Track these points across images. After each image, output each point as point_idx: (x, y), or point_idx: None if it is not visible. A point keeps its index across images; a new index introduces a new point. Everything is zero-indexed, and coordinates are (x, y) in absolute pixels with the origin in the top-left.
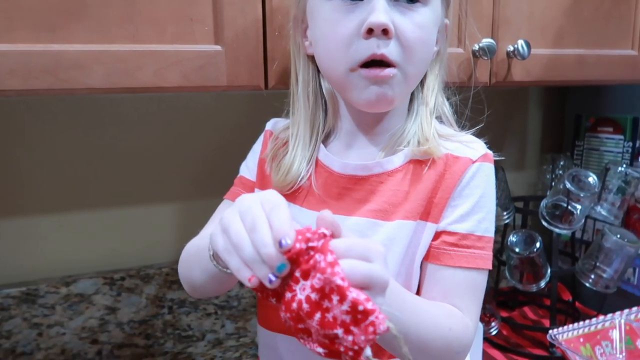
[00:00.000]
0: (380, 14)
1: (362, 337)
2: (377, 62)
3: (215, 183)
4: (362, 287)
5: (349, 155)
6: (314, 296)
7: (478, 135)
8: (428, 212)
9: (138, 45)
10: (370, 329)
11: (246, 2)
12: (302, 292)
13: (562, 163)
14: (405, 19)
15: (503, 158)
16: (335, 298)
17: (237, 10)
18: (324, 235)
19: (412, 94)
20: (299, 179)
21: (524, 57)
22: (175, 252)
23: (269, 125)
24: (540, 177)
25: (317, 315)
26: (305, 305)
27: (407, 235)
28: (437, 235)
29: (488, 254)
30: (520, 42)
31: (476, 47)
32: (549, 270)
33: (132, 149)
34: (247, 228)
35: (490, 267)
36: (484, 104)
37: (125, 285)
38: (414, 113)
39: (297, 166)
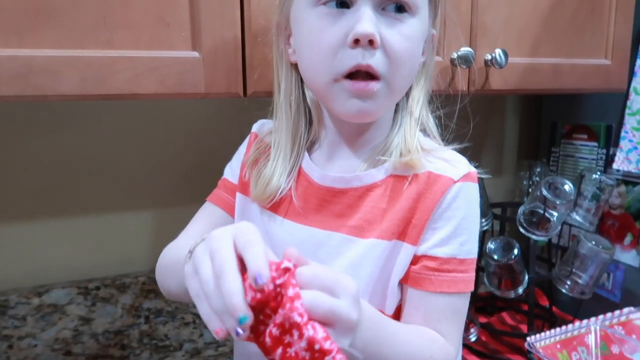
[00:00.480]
0: (367, 23)
1: None
2: (361, 74)
3: (192, 190)
4: (325, 322)
5: (330, 166)
6: (274, 331)
7: (455, 141)
8: (405, 232)
9: (113, 50)
10: None
11: (224, 7)
12: (269, 327)
13: (538, 169)
14: (392, 29)
15: (488, 176)
16: (295, 333)
17: (215, 16)
18: (287, 270)
19: (397, 105)
20: (279, 191)
21: (501, 65)
22: (151, 260)
23: (255, 127)
24: (517, 184)
25: (279, 350)
26: (267, 340)
27: (380, 255)
28: (417, 259)
29: (470, 276)
30: (498, 51)
31: (455, 55)
32: (526, 277)
33: (107, 155)
34: (215, 272)
35: (472, 289)
36: (469, 115)
37: (100, 294)
38: (397, 124)
39: (277, 178)
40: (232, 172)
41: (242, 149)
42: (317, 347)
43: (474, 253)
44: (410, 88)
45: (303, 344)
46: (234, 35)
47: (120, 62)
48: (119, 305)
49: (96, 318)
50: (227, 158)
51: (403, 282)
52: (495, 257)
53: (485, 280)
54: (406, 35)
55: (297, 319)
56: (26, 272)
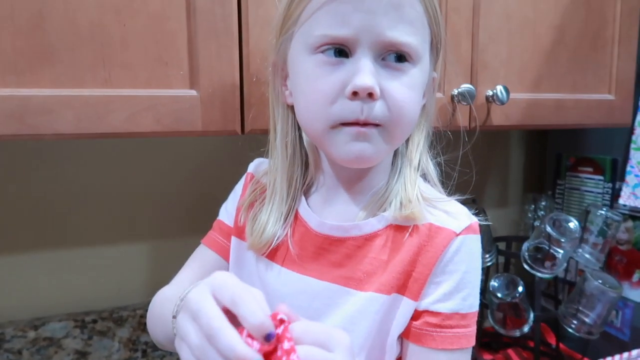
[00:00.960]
0: (367, 76)
1: None
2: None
3: (190, 223)
4: None
5: (328, 211)
6: None
7: (460, 178)
8: (405, 286)
9: (110, 89)
10: None
11: (222, 46)
12: None
13: (543, 203)
14: (393, 80)
15: (490, 223)
16: None
17: (213, 55)
18: (282, 321)
19: (397, 149)
20: (275, 239)
21: (503, 102)
22: (149, 293)
23: (251, 167)
24: (522, 217)
25: None
26: None
27: (379, 309)
28: (419, 314)
29: (472, 330)
30: (499, 88)
31: (455, 92)
32: (531, 315)
33: (105, 188)
34: (206, 334)
35: (474, 344)
36: (470, 149)
37: (97, 328)
38: (397, 171)
39: (272, 225)
40: (227, 214)
41: (238, 189)
42: None
43: (476, 306)
44: (411, 134)
45: None
46: (232, 73)
47: (117, 101)
48: (116, 338)
49: (93, 352)
50: (225, 192)
51: (404, 337)
52: (499, 295)
53: (490, 318)
54: (408, 85)
55: None
56: (23, 304)
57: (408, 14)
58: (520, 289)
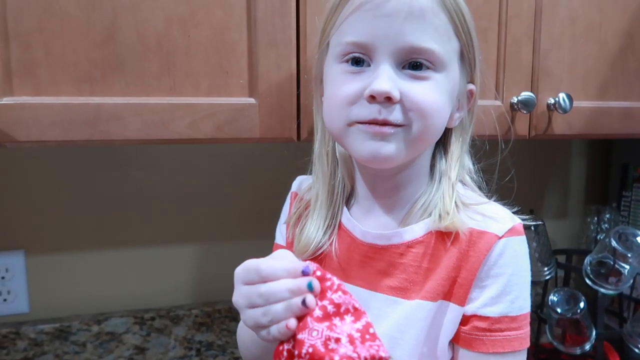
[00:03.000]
0: (384, 81)
1: (365, 352)
2: (378, 122)
3: (244, 227)
4: None
5: (369, 221)
6: (330, 308)
7: (517, 185)
8: (451, 292)
9: (174, 97)
10: (374, 349)
11: (281, 56)
12: (318, 307)
13: (607, 216)
14: (413, 84)
15: (540, 222)
16: (348, 317)
17: (272, 64)
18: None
19: (434, 160)
20: (320, 245)
21: (565, 110)
22: (204, 293)
23: (294, 187)
24: (584, 229)
25: (326, 323)
26: (318, 312)
27: (426, 316)
28: (467, 319)
29: (524, 333)
30: (562, 95)
31: (514, 100)
32: (594, 332)
33: (165, 191)
34: (261, 280)
35: (528, 345)
36: (526, 162)
37: (155, 325)
38: (435, 182)
39: (316, 232)
40: (280, 235)
41: (285, 209)
42: (371, 330)
43: (526, 308)
44: (449, 144)
45: (358, 325)
46: (290, 82)
47: (180, 109)
48: (172, 336)
49: (150, 348)
50: (278, 198)
51: (454, 342)
52: (559, 310)
53: (548, 333)
54: (429, 88)
55: (358, 305)
56: (88, 299)
57: (430, 22)
58: (582, 304)
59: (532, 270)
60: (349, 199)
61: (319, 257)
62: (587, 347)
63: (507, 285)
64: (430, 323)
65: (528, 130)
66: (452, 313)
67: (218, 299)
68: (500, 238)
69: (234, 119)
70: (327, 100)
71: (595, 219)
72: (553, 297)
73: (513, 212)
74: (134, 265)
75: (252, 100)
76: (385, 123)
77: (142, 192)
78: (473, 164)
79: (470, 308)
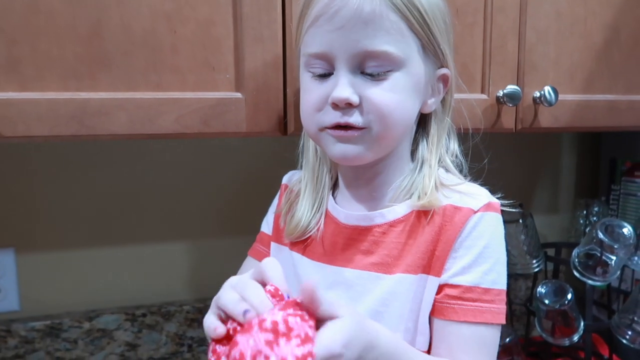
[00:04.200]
0: (343, 88)
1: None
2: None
3: (236, 223)
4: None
5: (353, 206)
6: (281, 327)
7: (505, 179)
8: (430, 265)
9: (161, 92)
10: None
11: (267, 51)
12: (270, 318)
13: (596, 209)
14: (372, 87)
15: (519, 210)
16: (294, 341)
17: (258, 60)
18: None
19: (417, 145)
20: (308, 228)
21: (551, 103)
22: (196, 289)
23: (285, 179)
24: (573, 222)
25: (269, 338)
26: (268, 324)
27: (408, 289)
28: (440, 288)
29: (498, 307)
30: (547, 89)
31: (500, 93)
32: (582, 324)
33: (157, 187)
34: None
35: (503, 322)
36: (516, 156)
37: (147, 322)
38: (418, 165)
39: (303, 216)
40: (267, 224)
41: (275, 201)
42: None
43: (500, 284)
44: (429, 128)
45: (300, 350)
46: (276, 77)
47: (167, 104)
48: (164, 333)
49: (142, 345)
50: (269, 192)
51: (431, 314)
52: (547, 301)
53: (537, 325)
54: (389, 89)
55: (310, 333)
56: (79, 297)
57: (380, 25)
58: (569, 296)
59: (520, 262)
60: (335, 186)
61: (306, 241)
62: (576, 338)
63: (480, 256)
64: (412, 296)
65: (514, 123)
66: (431, 285)
67: (209, 295)
68: (475, 212)
69: (221, 114)
70: (301, 105)
71: (584, 212)
72: (541, 289)
73: (502, 205)
74: (124, 262)
75: (238, 95)
76: (347, 126)
77: (133, 189)
78: (459, 147)
79: (443, 277)
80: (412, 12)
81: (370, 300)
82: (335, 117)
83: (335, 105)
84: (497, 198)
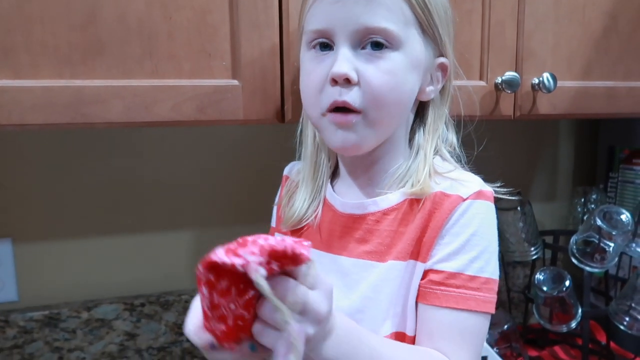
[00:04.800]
0: (342, 63)
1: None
2: (342, 108)
3: (234, 212)
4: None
5: (351, 194)
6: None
7: (503, 166)
8: (418, 251)
9: (157, 80)
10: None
11: (263, 38)
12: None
13: (594, 197)
14: (370, 65)
15: (516, 198)
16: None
17: (254, 46)
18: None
19: (414, 133)
20: (304, 216)
21: (549, 90)
22: (193, 279)
23: (286, 171)
24: (571, 211)
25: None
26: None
27: (398, 275)
28: (425, 274)
29: (485, 296)
30: (546, 75)
31: (499, 80)
32: (579, 310)
33: (155, 177)
34: None
35: (490, 311)
36: (514, 143)
37: (145, 311)
38: (413, 153)
39: (301, 205)
40: (272, 217)
41: (278, 193)
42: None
43: (488, 272)
44: (426, 116)
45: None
46: (273, 64)
47: (163, 91)
48: (163, 322)
49: (141, 334)
50: (268, 181)
51: (416, 300)
52: (545, 288)
53: (535, 312)
54: (386, 70)
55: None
56: (77, 287)
57: (381, 2)
58: (567, 282)
59: (518, 250)
60: (334, 175)
61: (302, 229)
62: (573, 324)
63: (467, 244)
64: (401, 282)
65: (513, 110)
66: (419, 271)
67: None
68: (464, 199)
69: (217, 101)
70: (302, 89)
71: (582, 200)
72: (539, 276)
73: (498, 192)
74: (123, 251)
75: (235, 82)
76: (345, 107)
77: (130, 178)
78: (458, 138)
79: (428, 263)
80: None
81: (364, 287)
82: (334, 94)
83: (334, 82)
84: (495, 186)
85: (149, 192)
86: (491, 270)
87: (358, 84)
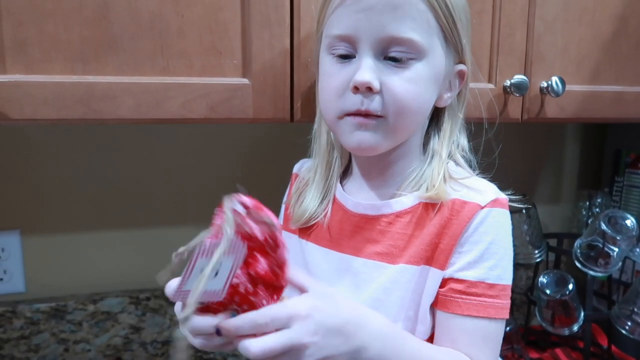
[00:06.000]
0: (365, 72)
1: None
2: (362, 113)
3: None
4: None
5: (362, 194)
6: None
7: (509, 169)
8: (432, 257)
9: (167, 77)
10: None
11: (274, 36)
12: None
13: (599, 200)
14: (394, 75)
15: (528, 206)
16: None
17: (265, 45)
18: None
19: (429, 138)
20: (314, 214)
21: (558, 94)
22: None
23: (295, 168)
24: (576, 214)
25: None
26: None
27: (410, 279)
28: (445, 282)
29: (502, 303)
30: (555, 79)
31: (507, 83)
32: (582, 314)
33: (162, 172)
34: None
35: (507, 316)
36: (520, 146)
37: (150, 305)
38: (428, 157)
39: (311, 203)
40: (280, 216)
41: (287, 192)
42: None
43: (506, 279)
44: (442, 122)
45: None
46: (283, 62)
47: (174, 89)
48: (167, 316)
49: (146, 328)
50: (276, 179)
51: (434, 306)
52: (548, 291)
53: (537, 315)
54: (409, 79)
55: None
56: (84, 280)
57: (408, 12)
58: (570, 286)
59: (522, 252)
60: (344, 174)
61: (311, 227)
62: (575, 328)
63: (486, 252)
64: (414, 287)
65: (521, 113)
66: (433, 277)
67: None
68: (482, 207)
69: (227, 100)
70: (320, 91)
71: (587, 203)
72: (542, 279)
73: (506, 194)
74: (129, 245)
75: (245, 81)
76: (367, 114)
77: (139, 173)
78: (469, 143)
79: (448, 271)
80: (439, 4)
81: (373, 288)
82: (356, 102)
83: (356, 89)
84: (507, 193)
85: (157, 187)
86: (508, 276)
87: (380, 92)
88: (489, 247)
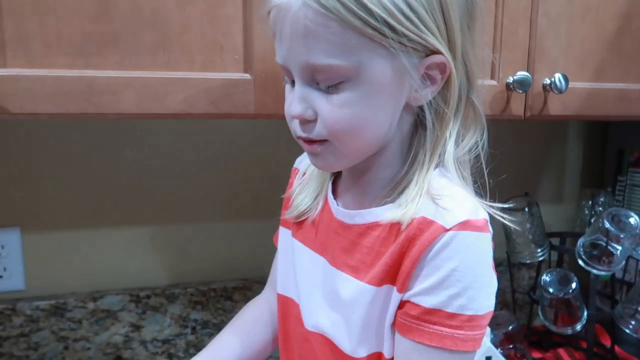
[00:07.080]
0: (296, 104)
1: None
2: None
3: (242, 206)
4: None
5: (347, 197)
6: None
7: (512, 167)
8: (394, 277)
9: (169, 72)
10: None
11: None
12: None
13: (602, 199)
14: (324, 101)
15: (513, 226)
16: None
17: (267, 41)
18: None
19: (413, 141)
20: (306, 210)
21: (561, 91)
22: (200, 272)
23: (296, 163)
24: (578, 213)
25: None
26: None
27: (371, 300)
28: (402, 304)
29: (466, 334)
30: (558, 76)
31: (510, 79)
32: (585, 313)
33: (163, 170)
34: None
35: (472, 348)
36: (524, 139)
37: (151, 303)
38: (407, 166)
39: (304, 198)
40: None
41: (288, 185)
42: None
43: (473, 309)
44: (424, 123)
45: None
46: None
47: (175, 83)
48: (168, 314)
49: (146, 326)
50: (278, 175)
51: (393, 325)
52: (551, 290)
53: (540, 314)
54: (341, 104)
55: None
56: (84, 277)
57: (320, 37)
58: (573, 284)
59: (525, 251)
60: (338, 176)
61: (304, 222)
62: (578, 327)
63: (447, 278)
64: (375, 306)
65: (523, 110)
66: (395, 298)
67: (214, 278)
68: (447, 230)
69: (229, 95)
70: None
71: (590, 202)
72: (546, 277)
73: (509, 198)
74: (130, 243)
75: (247, 76)
76: (309, 140)
77: (139, 170)
78: (476, 141)
79: (405, 295)
80: (355, 13)
81: (342, 302)
82: (298, 130)
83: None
84: (504, 189)
85: (157, 184)
86: (477, 307)
87: (316, 120)
88: (452, 274)
